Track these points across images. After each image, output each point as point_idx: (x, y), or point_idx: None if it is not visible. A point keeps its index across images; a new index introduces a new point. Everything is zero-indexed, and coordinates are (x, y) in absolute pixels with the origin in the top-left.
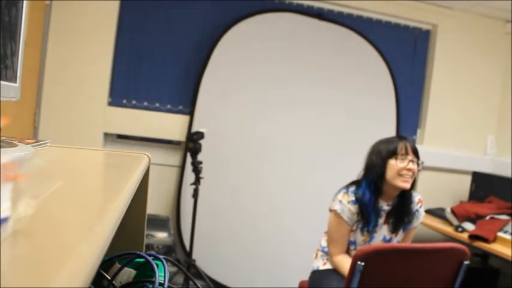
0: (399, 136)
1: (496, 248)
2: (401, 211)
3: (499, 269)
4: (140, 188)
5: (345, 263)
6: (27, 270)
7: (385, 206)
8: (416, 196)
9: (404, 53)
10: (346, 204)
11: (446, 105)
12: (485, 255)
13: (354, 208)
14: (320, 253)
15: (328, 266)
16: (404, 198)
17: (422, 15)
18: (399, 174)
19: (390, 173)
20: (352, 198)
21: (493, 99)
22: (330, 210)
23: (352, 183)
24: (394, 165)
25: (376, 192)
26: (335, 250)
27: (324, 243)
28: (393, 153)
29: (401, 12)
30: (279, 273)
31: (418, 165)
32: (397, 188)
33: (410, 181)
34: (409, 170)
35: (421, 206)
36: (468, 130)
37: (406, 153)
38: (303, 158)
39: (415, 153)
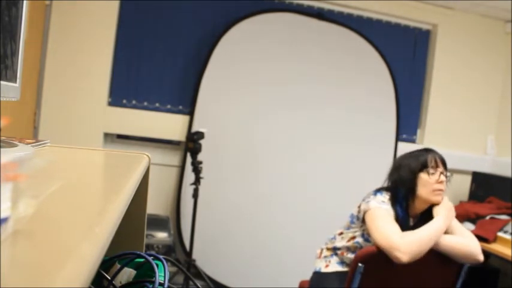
0: (426, 149)
1: (496, 248)
2: None
3: (499, 269)
4: (140, 188)
5: (415, 232)
6: (27, 270)
7: (411, 222)
8: None
9: (404, 53)
10: (388, 204)
11: (446, 105)
12: (485, 255)
13: (391, 211)
14: (324, 253)
15: (330, 269)
16: (431, 214)
17: (422, 15)
18: (433, 190)
19: (423, 190)
20: (389, 205)
21: (493, 99)
22: (366, 211)
23: (380, 190)
24: (426, 180)
25: (407, 207)
26: (397, 231)
27: (339, 244)
28: (424, 166)
29: (401, 12)
30: (279, 273)
31: (446, 177)
32: (429, 202)
33: (442, 194)
34: (441, 182)
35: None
36: (468, 130)
37: (437, 166)
38: (303, 157)
39: (444, 165)
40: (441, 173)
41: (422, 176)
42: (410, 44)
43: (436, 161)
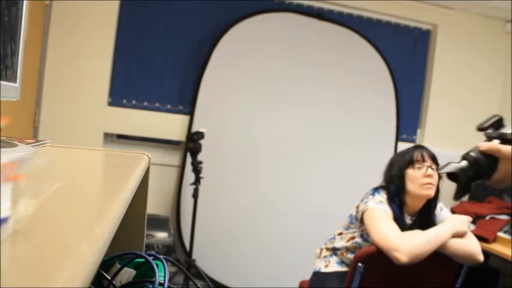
0: (415, 146)
1: (496, 248)
2: (425, 226)
3: (499, 269)
4: (140, 188)
5: (417, 232)
6: (27, 270)
7: (408, 220)
8: (438, 205)
9: (404, 53)
10: (386, 204)
11: (446, 105)
12: (485, 255)
13: (388, 211)
14: (324, 253)
15: (330, 269)
16: (428, 211)
17: (422, 15)
18: (421, 184)
19: (412, 185)
20: (387, 204)
21: (493, 99)
22: (364, 211)
23: (377, 189)
24: (413, 175)
25: (401, 205)
26: (395, 232)
27: (338, 244)
28: (410, 162)
29: (401, 12)
30: (278, 273)
31: (438, 172)
32: (421, 197)
33: (433, 187)
34: (428, 176)
35: (441, 210)
36: (468, 130)
37: (423, 160)
38: (302, 158)
39: (434, 159)
40: (429, 166)
41: (409, 172)
42: (410, 44)
43: (422, 156)
